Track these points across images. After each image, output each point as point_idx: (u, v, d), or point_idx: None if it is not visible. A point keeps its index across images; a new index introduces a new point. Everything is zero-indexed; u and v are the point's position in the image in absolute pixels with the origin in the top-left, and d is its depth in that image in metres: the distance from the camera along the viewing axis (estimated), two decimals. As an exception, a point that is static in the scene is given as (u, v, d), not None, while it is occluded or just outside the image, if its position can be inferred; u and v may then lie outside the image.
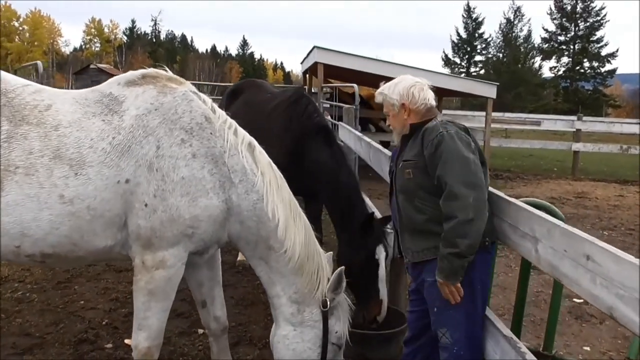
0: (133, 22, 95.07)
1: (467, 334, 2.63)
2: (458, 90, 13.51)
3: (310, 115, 4.76)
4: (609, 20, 51.11)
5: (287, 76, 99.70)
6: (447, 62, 60.06)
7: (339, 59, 11.62)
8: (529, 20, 71.44)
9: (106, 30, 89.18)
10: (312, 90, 15.19)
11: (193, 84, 3.24)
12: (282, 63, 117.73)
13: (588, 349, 4.43)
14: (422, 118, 2.77)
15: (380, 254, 3.88)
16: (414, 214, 2.70)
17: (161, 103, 2.86)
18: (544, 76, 56.57)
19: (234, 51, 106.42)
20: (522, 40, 58.19)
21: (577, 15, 51.40)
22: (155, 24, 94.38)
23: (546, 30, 53.25)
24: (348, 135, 6.14)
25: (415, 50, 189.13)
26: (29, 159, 2.67)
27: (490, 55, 60.10)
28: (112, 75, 3.23)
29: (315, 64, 11.66)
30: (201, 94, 3.08)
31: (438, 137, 2.57)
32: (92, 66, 56.38)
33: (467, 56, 60.29)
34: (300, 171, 4.48)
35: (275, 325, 3.08)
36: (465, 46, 59.98)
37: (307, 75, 16.10)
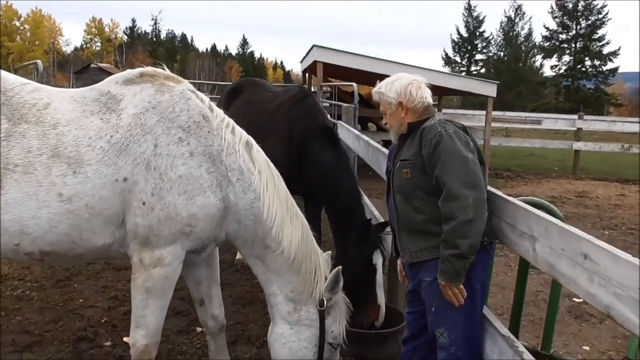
0: (133, 21, 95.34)
1: (465, 334, 2.62)
2: (458, 89, 13.49)
3: (314, 116, 4.71)
4: (611, 19, 51.03)
5: (287, 75, 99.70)
6: (447, 61, 60.04)
7: (338, 58, 11.61)
8: (530, 18, 71.48)
9: (107, 29, 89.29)
10: (312, 89, 15.17)
11: (193, 82, 3.25)
12: (282, 62, 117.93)
13: (587, 348, 4.43)
14: (420, 117, 2.74)
15: (377, 259, 3.88)
16: (412, 214, 2.68)
17: (159, 101, 2.86)
18: (545, 75, 56.52)
19: (234, 50, 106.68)
20: (523, 39, 58.13)
21: (579, 14, 51.28)
22: (155, 23, 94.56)
23: (547, 28, 53.20)
24: (347, 134, 6.13)
25: (416, 49, 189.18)
26: (27, 157, 2.67)
27: (491, 54, 60.04)
28: (112, 75, 3.25)
29: (315, 62, 11.66)
30: (199, 93, 3.08)
31: (437, 137, 2.54)
32: (92, 65, 56.46)
33: (467, 55, 60.25)
34: (302, 172, 4.47)
35: (272, 324, 3.08)
36: (466, 45, 59.94)
37: (307, 74, 16.09)
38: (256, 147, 3.02)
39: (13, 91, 2.86)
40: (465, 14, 60.28)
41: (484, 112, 14.12)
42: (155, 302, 2.84)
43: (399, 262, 3.10)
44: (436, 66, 58.10)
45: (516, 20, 58.43)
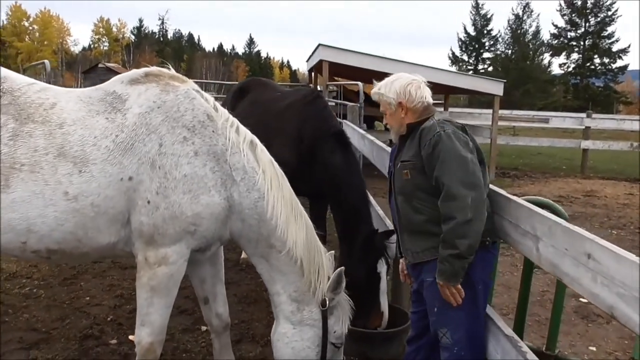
0: (141, 21, 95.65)
1: (468, 334, 2.61)
2: (465, 88, 13.45)
3: (326, 118, 4.66)
4: (620, 16, 50.53)
5: (293, 74, 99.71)
6: (454, 60, 59.75)
7: (344, 57, 11.62)
8: (538, 15, 70.84)
9: (114, 29, 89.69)
10: (318, 88, 15.19)
11: (200, 82, 3.26)
12: (288, 61, 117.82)
13: (594, 349, 4.40)
14: (420, 117, 2.73)
15: (382, 267, 3.88)
16: (412, 215, 2.68)
17: (164, 101, 2.88)
18: (553, 73, 56.12)
19: (240, 50, 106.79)
20: (530, 37, 57.76)
21: (588, 11, 50.87)
22: (162, 23, 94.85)
23: (556, 26, 52.79)
24: (352, 133, 6.13)
25: (422, 48, 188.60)
26: (34, 156, 2.70)
27: (498, 52, 59.73)
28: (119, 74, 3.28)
29: (320, 62, 11.66)
30: (203, 92, 3.09)
31: (435, 137, 2.54)
32: (100, 65, 56.69)
33: (475, 53, 59.96)
34: (312, 173, 4.45)
35: (276, 323, 3.09)
36: (473, 43, 59.66)
37: (313, 74, 16.09)
38: (260, 147, 3.03)
39: (20, 91, 2.89)
40: (473, 12, 60.01)
41: (490, 111, 14.05)
42: (160, 301, 2.86)
43: (401, 261, 3.10)
44: (443, 65, 57.90)
45: (524, 18, 58.09)
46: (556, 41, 53.07)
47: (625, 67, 51.46)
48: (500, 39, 59.63)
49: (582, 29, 51.53)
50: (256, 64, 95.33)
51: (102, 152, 2.73)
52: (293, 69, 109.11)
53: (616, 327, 4.68)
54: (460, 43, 60.07)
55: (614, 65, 50.96)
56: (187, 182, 2.75)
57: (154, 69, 3.08)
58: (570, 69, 52.61)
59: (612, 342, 4.50)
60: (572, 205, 9.81)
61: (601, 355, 4.29)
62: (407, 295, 4.10)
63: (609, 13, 50.55)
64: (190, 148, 2.79)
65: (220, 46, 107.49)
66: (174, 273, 2.84)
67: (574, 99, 48.32)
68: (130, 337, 3.99)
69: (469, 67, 58.32)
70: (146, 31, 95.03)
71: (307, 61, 15.93)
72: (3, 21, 75.42)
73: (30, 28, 78.89)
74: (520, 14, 58.01)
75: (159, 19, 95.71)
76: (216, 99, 3.20)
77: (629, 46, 51.18)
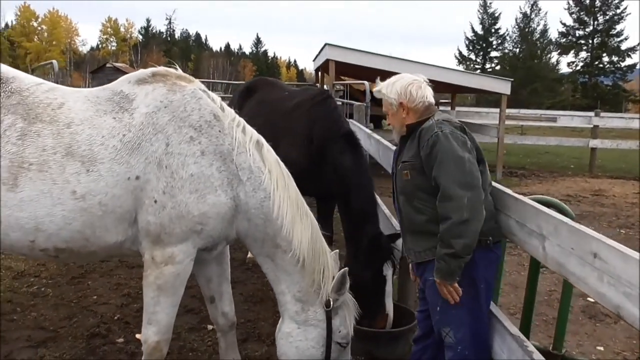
0: (148, 21, 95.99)
1: (471, 332, 2.62)
2: (472, 87, 13.39)
3: (335, 119, 4.63)
4: (629, 14, 50.04)
5: (300, 74, 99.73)
6: (461, 59, 59.50)
7: (350, 56, 11.61)
8: (546, 14, 70.17)
9: (122, 29, 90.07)
10: (324, 88, 15.18)
11: (207, 82, 3.28)
12: (295, 61, 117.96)
13: (602, 348, 4.37)
14: (421, 116, 2.75)
15: (388, 270, 3.87)
16: (414, 215, 2.70)
17: (170, 101, 2.89)
18: (561, 72, 55.73)
19: (247, 49, 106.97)
20: (538, 35, 57.41)
21: (596, 9, 50.47)
22: (169, 23, 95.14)
23: (564, 24, 52.38)
24: (358, 132, 6.12)
25: (429, 47, 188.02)
26: (42, 155, 2.72)
27: (506, 51, 59.39)
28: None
29: (327, 61, 11.65)
30: (210, 92, 3.10)
31: (433, 138, 2.55)
32: (108, 65, 56.98)
33: (482, 52, 59.68)
34: (320, 174, 4.43)
35: (281, 322, 3.10)
36: (480, 42, 59.39)
37: (320, 73, 16.08)
38: (267, 147, 3.03)
39: (28, 91, 2.91)
40: (481, 11, 59.74)
41: (498, 110, 13.98)
42: (166, 299, 2.87)
43: None
44: (449, 65, 57.63)
45: (532, 17, 57.75)
46: (564, 39, 52.71)
47: (634, 65, 50.95)
48: (508, 38, 59.35)
49: (591, 27, 51.12)
50: (263, 63, 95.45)
51: (109, 151, 2.75)
52: (300, 68, 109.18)
53: (624, 327, 4.65)
54: (467, 42, 59.83)
55: (622, 64, 50.46)
56: (193, 182, 2.76)
57: (161, 68, 3.10)
58: (578, 68, 52.22)
59: (620, 342, 4.47)
60: (580, 205, 9.76)
61: (609, 355, 4.26)
62: (414, 294, 4.10)
63: (618, 11, 50.12)
64: (197, 148, 2.80)
65: (228, 46, 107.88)
66: (181, 272, 2.86)
67: (582, 98, 47.93)
68: (137, 335, 4.02)
69: (477, 66, 58.04)
70: (154, 31, 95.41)
71: (313, 60, 15.92)
72: (12, 21, 76.02)
73: (39, 28, 79.38)
74: (528, 12, 57.69)
75: (167, 18, 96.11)
76: (223, 98, 3.22)
77: (638, 44, 50.61)
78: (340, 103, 11.73)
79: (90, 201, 2.72)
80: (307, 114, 4.75)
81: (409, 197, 2.71)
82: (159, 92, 2.92)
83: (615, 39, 50.54)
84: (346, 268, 3.02)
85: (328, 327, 3.00)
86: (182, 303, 3.18)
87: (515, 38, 58.54)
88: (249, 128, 3.02)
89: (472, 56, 59.94)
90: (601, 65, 50.97)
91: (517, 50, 58.17)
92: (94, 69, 61.97)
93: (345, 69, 13.44)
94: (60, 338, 4.09)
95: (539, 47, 56.63)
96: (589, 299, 5.08)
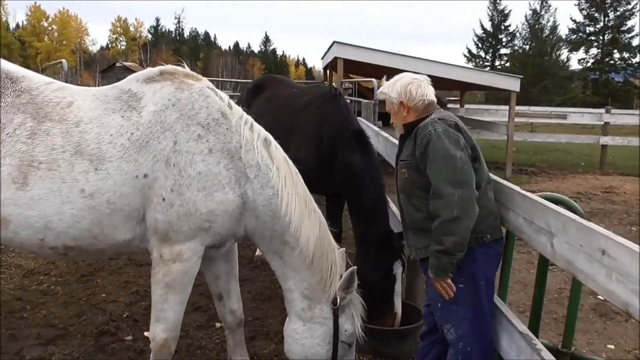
0: (157, 20, 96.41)
1: (473, 329, 2.64)
2: (481, 84, 13.33)
3: (345, 117, 4.60)
4: (641, 9, 49.51)
5: (309, 72, 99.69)
6: (470, 56, 59.18)
7: (359, 54, 11.59)
8: (556, 10, 69.60)
9: (131, 28, 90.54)
10: (333, 86, 15.17)
11: (216, 80, 3.29)
12: (304, 59, 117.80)
13: (612, 347, 4.34)
14: (421, 114, 2.80)
15: (397, 269, 3.87)
16: (413, 212, 2.75)
17: (178, 99, 2.90)
18: (572, 68, 55.28)
19: (256, 48, 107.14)
20: (548, 32, 56.92)
21: (607, 5, 49.97)
22: (178, 22, 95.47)
23: (574, 21, 51.98)
24: (366, 130, 6.11)
25: (438, 44, 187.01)
26: (51, 154, 2.74)
27: (516, 48, 58.98)
28: (136, 73, 3.32)
29: (335, 59, 11.64)
30: (218, 90, 3.11)
31: (426, 137, 2.61)
32: (118, 64, 57.23)
33: (491, 49, 59.32)
34: (329, 173, 4.42)
35: (288, 319, 3.12)
36: (490, 39, 59.03)
37: (328, 71, 16.07)
38: (274, 144, 3.04)
39: (38, 90, 2.93)
40: (490, 7, 59.35)
41: (507, 107, 13.89)
42: (174, 297, 2.88)
43: None
44: (458, 62, 57.24)
45: (542, 13, 57.28)
46: (575, 36, 52.26)
47: (646, 61, 50.44)
48: (517, 35, 58.92)
49: (601, 24, 50.65)
50: (272, 62, 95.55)
51: (117, 149, 2.76)
52: (309, 66, 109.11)
53: (635, 325, 4.61)
54: (477, 39, 59.49)
55: (634, 60, 49.98)
56: (201, 180, 2.77)
57: (169, 67, 3.11)
58: (589, 64, 51.76)
59: (631, 340, 4.43)
60: (590, 202, 9.68)
61: (620, 354, 4.23)
62: (422, 292, 4.09)
63: (629, 7, 49.58)
64: (205, 145, 2.81)
65: (237, 44, 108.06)
66: (189, 270, 2.87)
67: (593, 95, 47.52)
68: (146, 333, 4.04)
69: (486, 64, 57.70)
70: (163, 30, 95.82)
71: (322, 59, 15.91)
72: (23, 21, 76.64)
73: (50, 28, 80.00)
74: (538, 9, 57.22)
75: (175, 18, 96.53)
76: (232, 97, 3.22)
77: (649, 40, 50.10)
78: (348, 101, 11.72)
79: (98, 199, 2.73)
80: (316, 112, 4.73)
81: (408, 195, 2.77)
82: (167, 90, 2.94)
83: (626, 35, 50.01)
84: (354, 267, 3.02)
85: (335, 325, 3.01)
86: (190, 301, 3.19)
87: (525, 35, 58.11)
88: (256, 126, 3.03)
89: (482, 53, 59.61)
90: (612, 62, 50.49)
91: (527, 47, 57.72)
92: (103, 68, 62.30)
93: (353, 67, 13.42)
94: (69, 336, 4.12)
95: (549, 44, 56.16)
96: (599, 296, 5.04)
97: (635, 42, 49.79)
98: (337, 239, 3.18)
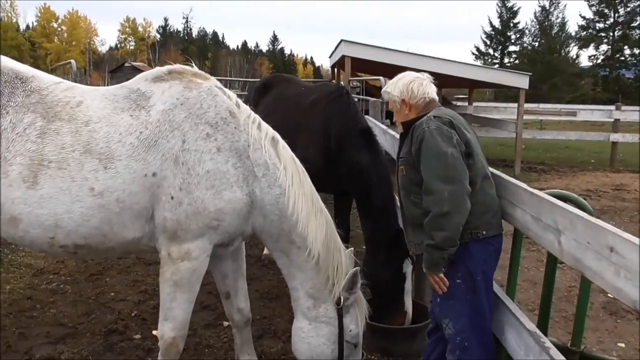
0: (166, 20, 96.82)
1: (471, 324, 2.68)
2: (489, 82, 13.25)
3: (352, 116, 4.59)
4: (652, 5, 48.94)
5: (317, 71, 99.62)
6: (479, 53, 58.85)
7: (366, 52, 11.57)
8: (565, 7, 68.81)
9: (140, 29, 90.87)
10: (340, 84, 15.14)
11: (224, 80, 3.30)
12: (312, 58, 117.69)
13: (623, 345, 4.30)
14: (421, 112, 2.85)
15: (407, 267, 3.86)
16: (411, 208, 2.80)
17: (187, 98, 2.91)
18: (581, 65, 54.80)
19: (264, 47, 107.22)
20: (557, 29, 56.45)
21: (617, 1, 49.47)
22: (187, 21, 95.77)
23: (583, 17, 51.57)
24: (374, 128, 6.09)
25: (446, 42, 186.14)
26: (61, 153, 2.76)
27: (525, 45, 58.57)
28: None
29: (343, 57, 11.63)
30: (226, 89, 3.12)
31: (420, 134, 2.66)
32: (126, 64, 57.48)
33: (500, 47, 58.96)
34: (337, 171, 4.41)
35: (295, 317, 3.13)
36: (498, 37, 58.66)
37: (336, 69, 16.05)
38: (282, 143, 3.04)
39: (47, 89, 2.95)
40: (499, 4, 58.98)
41: (516, 105, 13.81)
42: (182, 295, 2.90)
43: None
44: (466, 60, 56.90)
45: (551, 10, 56.82)
46: (584, 33, 51.81)
47: (657, 57, 49.85)
48: (527, 32, 58.49)
49: (611, 20, 50.19)
50: (280, 61, 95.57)
51: (126, 148, 2.78)
52: (317, 65, 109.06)
53: (646, 323, 4.57)
54: (485, 36, 59.14)
55: (645, 56, 49.43)
56: (209, 178, 2.78)
57: (177, 66, 3.12)
58: (599, 61, 51.29)
59: (642, 339, 4.40)
60: (600, 200, 9.61)
61: (630, 352, 4.19)
62: (429, 290, 4.07)
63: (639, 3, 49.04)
64: (213, 144, 2.82)
65: (245, 44, 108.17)
66: (197, 268, 2.88)
67: (603, 92, 47.07)
68: (154, 332, 4.05)
69: (495, 61, 57.36)
70: (171, 30, 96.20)
71: (329, 57, 15.90)
72: (33, 22, 77.26)
73: (59, 29, 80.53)
74: (547, 5, 56.78)
75: (184, 17, 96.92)
76: (240, 96, 3.23)
77: (661, 36, 49.52)
78: (356, 99, 11.70)
79: (108, 198, 2.75)
80: (323, 111, 4.72)
81: (407, 192, 2.82)
82: (175, 89, 2.95)
83: (637, 31, 49.46)
84: (357, 267, 3.03)
85: (339, 325, 3.01)
86: (198, 300, 3.20)
87: (534, 32, 57.69)
88: (264, 124, 3.04)
89: (490, 51, 59.26)
90: (622, 58, 50.00)
91: (536, 44, 57.29)
92: (112, 68, 62.65)
93: (361, 65, 13.40)
94: (78, 334, 4.15)
95: (558, 41, 55.71)
96: (609, 295, 4.99)
97: (646, 38, 49.26)
98: (343, 239, 3.17)
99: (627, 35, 49.40)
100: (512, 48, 59.13)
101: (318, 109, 4.79)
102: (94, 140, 2.80)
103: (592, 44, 51.19)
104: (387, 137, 5.18)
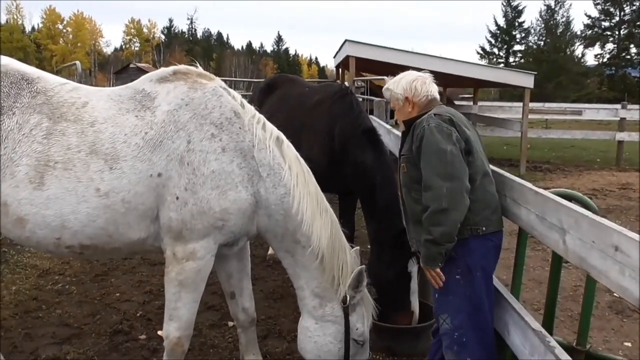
0: (170, 21, 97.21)
1: (470, 319, 2.69)
2: (494, 81, 13.22)
3: (357, 116, 4.58)
4: (658, 3, 48.66)
5: (321, 71, 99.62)
6: (484, 53, 58.68)
7: (371, 52, 11.57)
8: (570, 6, 68.51)
9: (145, 30, 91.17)
10: (344, 84, 15.14)
11: (229, 80, 3.30)
12: (316, 58, 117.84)
13: (629, 344, 4.28)
14: (423, 110, 2.88)
15: (413, 267, 3.85)
16: (413, 205, 2.83)
17: (191, 98, 2.92)
18: (587, 64, 54.56)
19: (269, 47, 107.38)
20: (563, 28, 56.22)
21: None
22: (191, 22, 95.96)
23: (589, 16, 51.37)
24: (378, 128, 6.09)
25: (450, 42, 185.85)
26: (67, 154, 2.78)
27: (530, 44, 58.35)
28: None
29: (347, 57, 11.63)
30: (230, 90, 3.12)
31: (421, 132, 2.70)
32: (131, 65, 57.80)
33: (505, 46, 58.78)
34: (341, 171, 4.41)
35: (301, 316, 3.14)
36: (503, 36, 58.49)
37: (340, 69, 16.06)
38: (286, 143, 3.05)
39: (53, 91, 2.96)
40: (504, 4, 58.80)
41: (521, 104, 13.77)
42: (187, 295, 2.90)
43: None
44: (471, 59, 56.71)
45: (556, 9, 56.60)
46: (590, 32, 51.58)
47: (664, 55, 49.56)
48: (532, 31, 58.28)
49: (617, 18, 49.94)
50: (284, 61, 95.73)
51: (132, 149, 2.79)
52: (321, 65, 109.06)
53: (652, 323, 4.55)
54: (490, 35, 58.96)
55: (651, 54, 49.15)
56: (214, 178, 2.79)
57: (182, 67, 3.13)
58: (604, 60, 51.05)
59: (648, 338, 4.38)
60: (606, 199, 9.57)
61: (636, 351, 4.17)
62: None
63: (646, 1, 48.74)
64: (218, 144, 2.83)
65: (249, 44, 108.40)
66: (202, 268, 2.89)
67: (609, 90, 46.83)
68: (159, 332, 4.05)
69: (500, 61, 57.19)
70: (176, 31, 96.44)
71: (334, 57, 15.91)
72: (38, 24, 77.58)
73: (64, 31, 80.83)
74: (553, 5, 56.55)
75: (188, 18, 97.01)
76: (245, 96, 3.24)
77: (667, 34, 49.21)
78: (360, 99, 11.68)
79: (113, 198, 2.76)
80: (327, 111, 4.73)
81: (408, 189, 2.85)
82: (180, 90, 2.96)
83: (643, 29, 49.16)
84: (363, 266, 3.03)
85: (346, 323, 3.02)
86: (203, 300, 3.20)
87: (539, 31, 57.46)
88: (269, 125, 3.04)
89: (495, 50, 59.08)
90: (628, 57, 49.76)
91: (542, 43, 57.07)
92: (117, 69, 62.90)
93: (365, 65, 13.41)
94: (84, 335, 4.16)
95: (564, 40, 55.47)
96: (615, 294, 4.97)
97: (652, 36, 48.96)
98: (348, 238, 3.18)
99: (633, 33, 49.14)
100: (517, 47, 58.98)
101: (322, 109, 4.80)
102: (99, 141, 2.81)
103: (598, 43, 50.97)
104: (391, 137, 5.17)
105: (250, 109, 3.05)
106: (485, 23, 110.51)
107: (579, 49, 55.38)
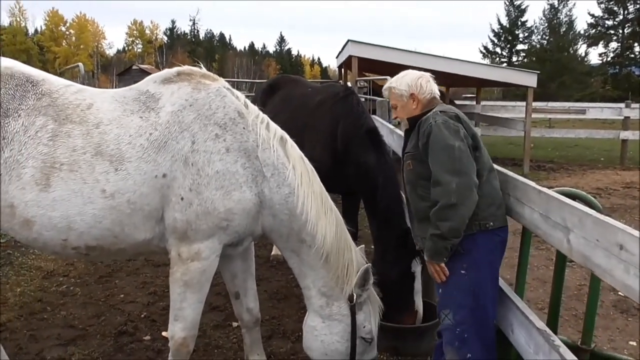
0: (173, 22, 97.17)
1: (473, 315, 2.68)
2: (497, 80, 13.20)
3: (359, 116, 4.59)
4: (663, 1, 48.44)
5: (324, 71, 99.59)
6: (486, 52, 58.54)
7: (373, 52, 11.57)
8: (574, 4, 68.21)
9: (147, 31, 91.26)
10: (348, 85, 15.14)
11: (231, 81, 3.31)
12: (319, 58, 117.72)
13: (634, 343, 4.28)
14: (425, 108, 2.90)
15: (416, 267, 3.86)
16: (418, 202, 2.83)
17: (195, 99, 2.93)
18: (591, 63, 54.34)
19: (271, 48, 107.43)
20: (566, 27, 56.04)
21: (627, -2, 49.03)
22: (194, 23, 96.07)
23: (592, 15, 51.21)
24: (381, 128, 6.09)
25: (451, 41, 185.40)
26: (72, 155, 2.79)
27: (533, 43, 58.19)
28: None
29: (350, 57, 11.63)
30: (234, 90, 3.13)
31: (428, 128, 2.71)
32: (134, 67, 57.87)
33: (508, 45, 58.64)
34: (343, 171, 4.42)
35: (307, 315, 3.14)
36: (506, 35, 58.36)
37: (343, 70, 16.06)
38: (290, 143, 3.06)
39: (58, 93, 2.98)
40: (507, 3, 58.66)
41: (524, 103, 13.74)
42: (192, 295, 2.91)
43: None
44: (473, 58, 56.58)
45: (559, 8, 56.44)
46: (593, 31, 51.42)
47: (668, 53, 49.33)
48: (535, 30, 58.12)
49: (621, 17, 49.77)
50: (287, 62, 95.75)
51: (137, 150, 2.80)
52: (324, 65, 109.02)
53: (657, 322, 4.54)
54: (493, 34, 58.85)
55: (655, 53, 48.94)
56: (219, 179, 2.80)
57: (186, 68, 3.14)
58: (608, 59, 50.88)
59: (654, 337, 4.37)
60: (610, 198, 9.54)
61: (641, 351, 4.17)
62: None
63: (649, -1, 48.55)
64: (222, 145, 2.84)
65: (252, 45, 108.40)
66: (207, 268, 2.90)
67: (613, 89, 46.65)
68: (164, 333, 4.07)
69: (503, 60, 57.06)
70: (178, 32, 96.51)
71: (336, 57, 15.91)
72: (41, 27, 77.82)
73: (67, 33, 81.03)
74: (556, 4, 56.39)
75: (190, 19, 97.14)
76: (247, 97, 3.25)
77: (672, 32, 48.97)
78: (363, 99, 11.68)
79: (119, 199, 2.77)
80: (330, 112, 4.73)
81: (413, 186, 2.86)
82: (184, 90, 2.97)
83: (647, 28, 48.95)
84: (369, 264, 3.03)
85: (352, 322, 3.02)
86: (208, 300, 3.21)
87: (543, 30, 57.30)
88: (272, 124, 3.05)
89: (498, 50, 58.94)
90: (632, 56, 49.57)
91: (545, 42, 56.91)
92: (120, 71, 63.03)
93: (368, 65, 13.40)
94: (89, 336, 4.17)
95: (567, 40, 55.29)
96: (620, 293, 4.97)
97: (657, 34, 48.74)
98: (352, 237, 3.18)
99: (636, 32, 48.94)
100: (520, 46, 58.79)
101: (324, 110, 4.81)
102: (104, 142, 2.82)
103: (602, 42, 50.78)
104: (394, 137, 5.18)
105: (254, 109, 3.06)
106: (489, 22, 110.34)
107: (582, 48, 55.04)
